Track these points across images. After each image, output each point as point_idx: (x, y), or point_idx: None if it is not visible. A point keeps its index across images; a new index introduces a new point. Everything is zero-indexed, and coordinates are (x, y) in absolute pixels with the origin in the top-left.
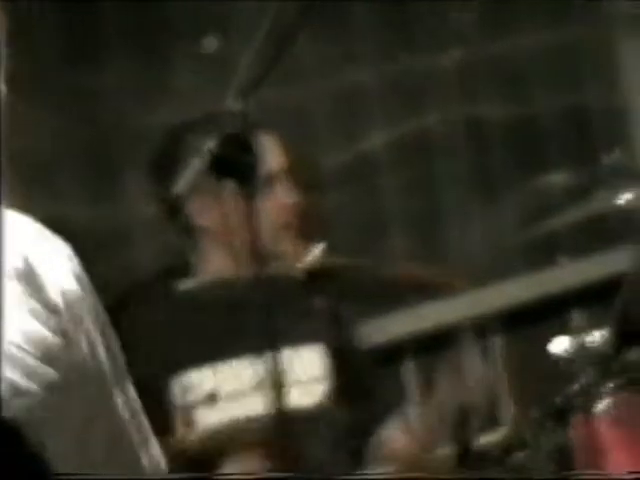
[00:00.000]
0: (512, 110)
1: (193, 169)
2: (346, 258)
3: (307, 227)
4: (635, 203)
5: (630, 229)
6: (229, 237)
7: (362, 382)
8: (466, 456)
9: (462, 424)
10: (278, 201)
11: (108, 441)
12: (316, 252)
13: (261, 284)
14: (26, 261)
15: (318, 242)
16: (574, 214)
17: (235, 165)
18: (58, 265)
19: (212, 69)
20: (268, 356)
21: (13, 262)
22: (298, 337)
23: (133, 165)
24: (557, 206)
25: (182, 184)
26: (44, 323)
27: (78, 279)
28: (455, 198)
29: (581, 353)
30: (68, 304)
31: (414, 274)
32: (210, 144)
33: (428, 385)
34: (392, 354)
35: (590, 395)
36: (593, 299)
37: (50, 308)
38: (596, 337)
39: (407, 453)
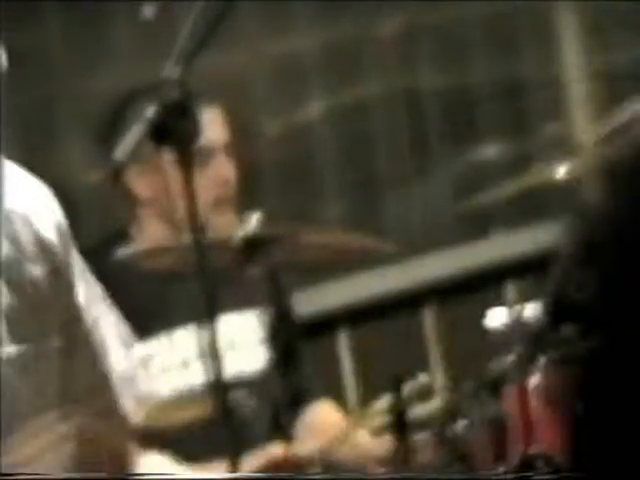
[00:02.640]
0: (449, 81)
1: (132, 136)
2: (282, 226)
3: (243, 196)
4: (570, 176)
5: (565, 202)
6: (167, 205)
7: (296, 350)
8: (400, 426)
9: (397, 394)
10: (218, 174)
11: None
12: (252, 221)
13: (198, 252)
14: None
15: (254, 210)
16: (509, 186)
17: (173, 132)
18: (37, 210)
19: (151, 36)
20: (206, 324)
21: None
22: (235, 305)
23: (73, 130)
24: (492, 178)
25: (121, 151)
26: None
27: (58, 225)
28: (391, 168)
29: (515, 326)
30: (46, 248)
31: (347, 243)
32: (149, 111)
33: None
34: (326, 323)
35: (523, 368)
36: (527, 272)
37: (25, 250)
38: (530, 310)
39: (337, 427)
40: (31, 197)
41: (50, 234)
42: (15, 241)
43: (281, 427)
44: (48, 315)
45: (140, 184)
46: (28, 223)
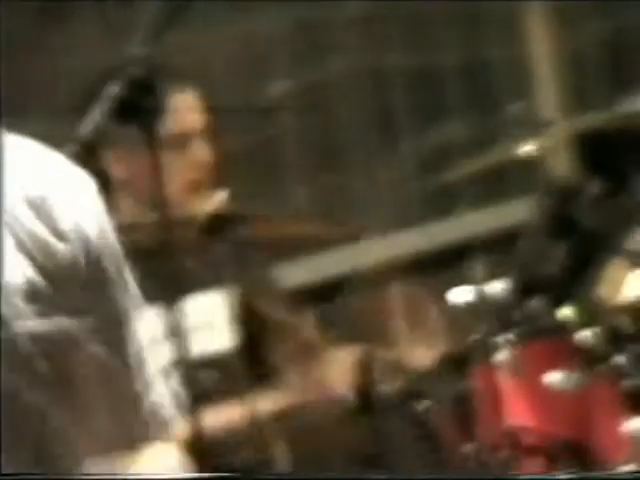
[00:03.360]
0: (415, 59)
1: (97, 114)
2: (247, 206)
3: (212, 175)
4: (535, 154)
5: (530, 179)
6: (135, 184)
7: (263, 329)
8: (367, 404)
9: (363, 372)
10: (193, 159)
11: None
12: (218, 199)
13: (164, 230)
14: (40, 190)
15: (221, 189)
16: (476, 164)
17: (137, 110)
18: (76, 199)
19: (117, 13)
20: (172, 303)
21: (27, 189)
22: (201, 284)
23: (39, 109)
24: (458, 156)
25: (86, 129)
26: (52, 245)
27: (97, 216)
28: (357, 146)
29: (481, 303)
30: (81, 237)
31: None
32: (113, 88)
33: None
34: (291, 303)
35: (489, 345)
36: (493, 249)
37: (58, 235)
38: (496, 287)
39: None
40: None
41: (88, 225)
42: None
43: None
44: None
45: (108, 162)
46: (68, 208)
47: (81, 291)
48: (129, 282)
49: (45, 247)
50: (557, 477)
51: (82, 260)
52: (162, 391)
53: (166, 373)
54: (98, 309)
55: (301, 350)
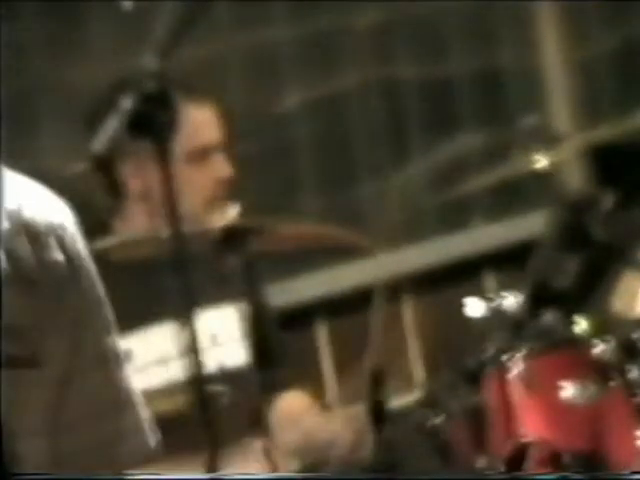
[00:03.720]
0: (427, 71)
1: (110, 127)
2: (260, 218)
3: (229, 190)
4: (549, 166)
5: (544, 192)
6: (150, 198)
7: (275, 344)
8: (380, 418)
9: (376, 385)
10: (213, 173)
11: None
12: (231, 212)
13: (176, 244)
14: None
15: (233, 202)
16: (489, 177)
17: (150, 123)
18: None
19: (130, 27)
20: (185, 318)
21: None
22: (214, 298)
23: (51, 121)
24: (471, 168)
25: (99, 142)
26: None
27: (69, 248)
28: (370, 158)
29: (495, 316)
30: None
31: (324, 235)
32: (127, 102)
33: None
34: (305, 315)
35: (503, 358)
36: (507, 262)
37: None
38: (510, 301)
39: (307, 414)
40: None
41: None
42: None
43: (259, 422)
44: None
45: (122, 175)
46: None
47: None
48: (103, 307)
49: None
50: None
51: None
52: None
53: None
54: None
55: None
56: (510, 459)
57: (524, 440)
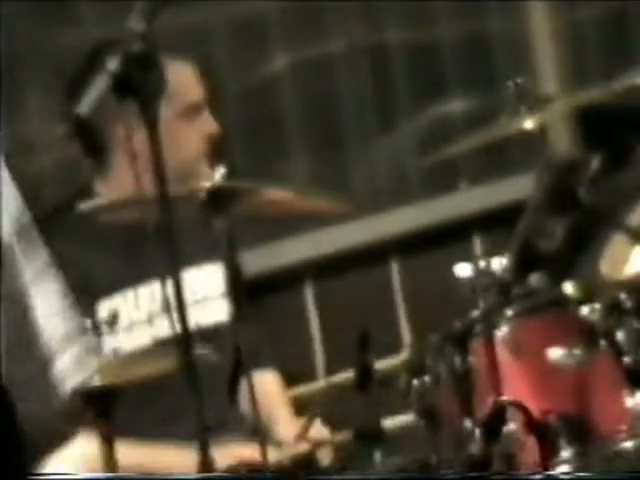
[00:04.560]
0: (415, 35)
1: (96, 89)
2: (246, 181)
3: (212, 150)
4: (536, 129)
5: (530, 155)
6: (135, 160)
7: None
8: (365, 381)
9: (362, 348)
10: (201, 130)
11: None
12: (218, 174)
13: (163, 205)
14: None
15: (220, 164)
16: (476, 140)
17: (137, 85)
18: None
19: None
20: (170, 277)
21: None
22: (198, 257)
23: (36, 85)
24: (459, 131)
25: (85, 104)
26: None
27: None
28: (357, 122)
29: (481, 279)
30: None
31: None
32: (112, 64)
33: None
34: (291, 278)
35: (490, 321)
36: (494, 225)
37: None
38: (497, 263)
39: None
40: None
41: None
42: None
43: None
44: None
45: (108, 136)
46: None
47: None
48: (38, 253)
49: None
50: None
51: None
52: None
53: (69, 340)
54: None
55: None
56: (489, 420)
57: (503, 401)
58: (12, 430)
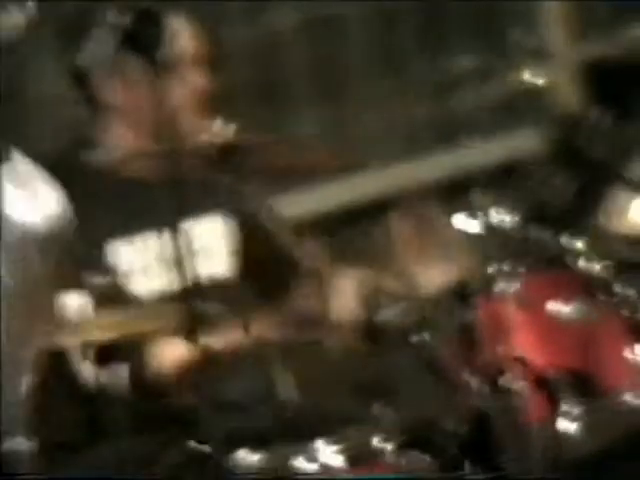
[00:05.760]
0: None
1: (99, 41)
2: (252, 135)
3: (214, 105)
4: (541, 84)
5: (536, 110)
6: (136, 113)
7: (268, 255)
8: (371, 333)
9: (367, 301)
10: (191, 84)
11: None
12: (222, 129)
13: (168, 159)
14: None
15: (224, 119)
16: (480, 95)
17: (140, 39)
18: None
19: None
20: (174, 229)
21: None
22: (203, 210)
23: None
24: (465, 87)
25: (87, 56)
26: None
27: None
28: (364, 77)
29: (487, 233)
30: None
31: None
32: (116, 17)
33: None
34: (302, 230)
35: (495, 275)
36: (500, 180)
37: None
38: (502, 219)
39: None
40: None
41: None
42: None
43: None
44: None
45: (109, 90)
46: None
47: None
48: None
49: None
50: None
51: None
52: None
53: None
54: None
55: (305, 277)
56: (493, 375)
57: (506, 355)
58: None
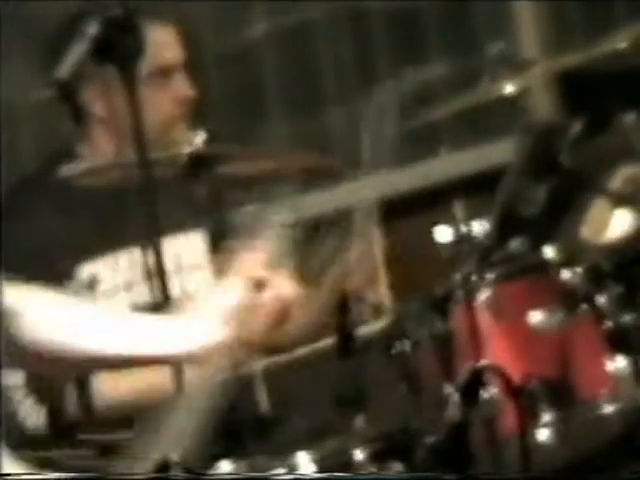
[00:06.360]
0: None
1: (75, 53)
2: (227, 145)
3: (192, 114)
4: (516, 93)
5: (511, 120)
6: (115, 123)
7: None
8: (347, 345)
9: (343, 312)
10: (174, 93)
11: None
12: (198, 139)
13: (143, 169)
14: None
15: (201, 129)
16: (457, 104)
17: (115, 48)
18: None
19: None
20: (150, 244)
21: None
22: (179, 224)
23: (15, 50)
24: (440, 96)
25: (64, 68)
26: None
27: None
28: (337, 87)
29: (463, 244)
30: None
31: (292, 160)
32: (92, 27)
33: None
34: None
35: (471, 285)
36: (475, 190)
37: None
38: (477, 227)
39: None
40: None
41: None
42: None
43: None
44: None
45: (88, 101)
46: None
47: None
48: None
49: None
50: None
51: None
52: None
53: None
54: None
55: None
56: (468, 385)
57: (482, 365)
58: None
